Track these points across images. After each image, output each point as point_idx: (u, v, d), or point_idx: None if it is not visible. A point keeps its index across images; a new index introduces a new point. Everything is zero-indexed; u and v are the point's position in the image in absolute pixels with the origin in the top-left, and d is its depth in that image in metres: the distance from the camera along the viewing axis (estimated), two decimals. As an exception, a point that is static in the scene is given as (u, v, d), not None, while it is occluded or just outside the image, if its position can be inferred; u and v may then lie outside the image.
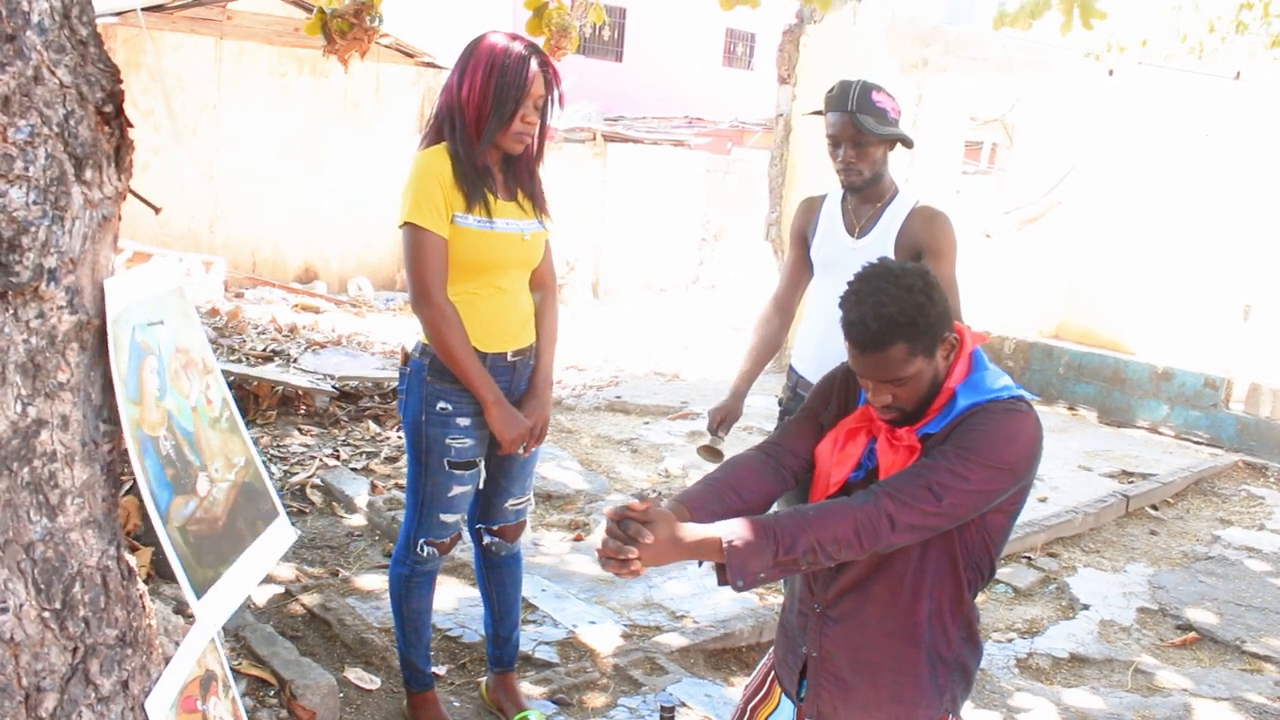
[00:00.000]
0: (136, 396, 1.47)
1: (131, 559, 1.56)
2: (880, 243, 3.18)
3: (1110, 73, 10.01)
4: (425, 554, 3.03)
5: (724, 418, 3.41)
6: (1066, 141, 10.03)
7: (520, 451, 2.99)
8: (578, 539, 4.90)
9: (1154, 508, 6.36)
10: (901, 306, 1.84)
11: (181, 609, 3.02)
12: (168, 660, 1.57)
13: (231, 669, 3.19)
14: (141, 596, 1.55)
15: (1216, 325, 9.31)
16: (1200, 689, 4.08)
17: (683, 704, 3.46)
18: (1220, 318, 9.32)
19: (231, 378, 6.30)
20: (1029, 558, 5.29)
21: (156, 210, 1.66)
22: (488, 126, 2.77)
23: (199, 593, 1.54)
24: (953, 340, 1.95)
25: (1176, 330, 9.46)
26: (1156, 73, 9.95)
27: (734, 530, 1.78)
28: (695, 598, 4.35)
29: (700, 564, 1.87)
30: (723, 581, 1.79)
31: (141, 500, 1.47)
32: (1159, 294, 9.68)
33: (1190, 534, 5.98)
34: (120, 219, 1.50)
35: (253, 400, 6.34)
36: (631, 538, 1.74)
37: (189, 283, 9.66)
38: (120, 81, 1.44)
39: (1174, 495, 6.64)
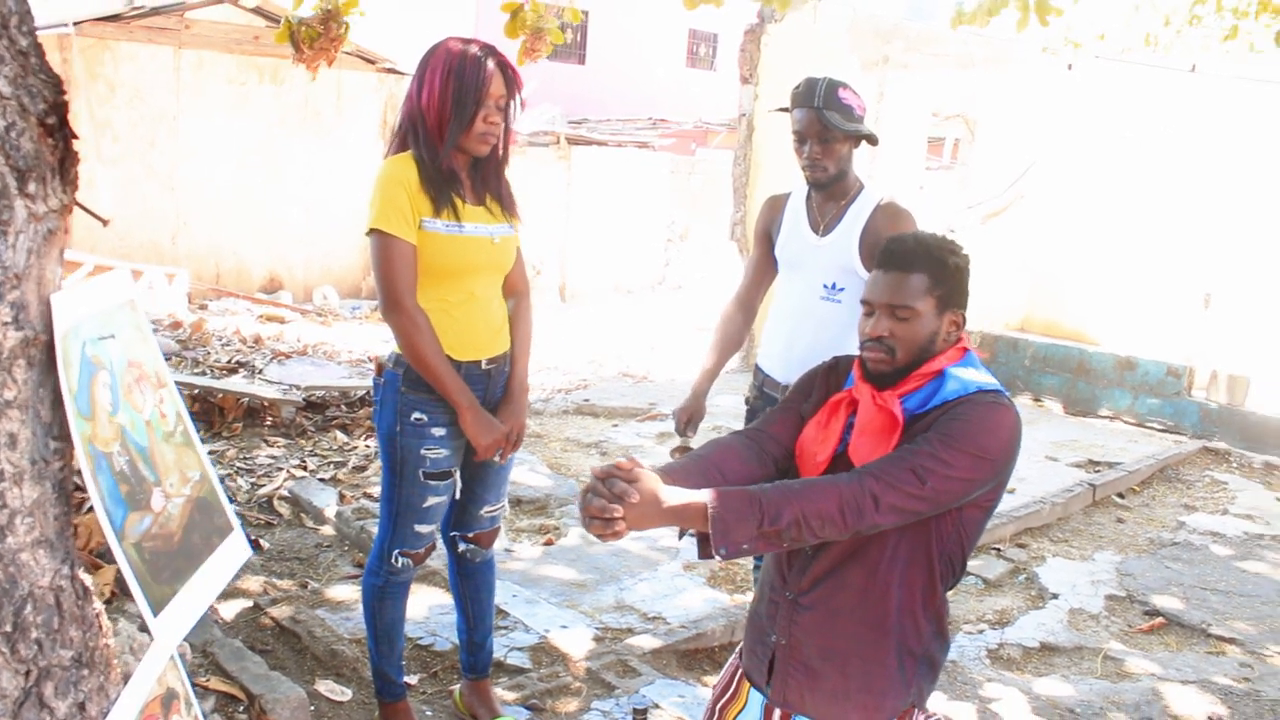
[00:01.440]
0: (88, 412, 1.44)
1: (88, 578, 1.54)
2: (845, 240, 3.19)
3: (1069, 67, 10.09)
4: (400, 565, 3.01)
5: (689, 417, 3.41)
6: (1028, 136, 10.09)
7: (496, 458, 2.99)
8: (548, 543, 4.89)
9: (1120, 496, 6.41)
10: (942, 246, 2.02)
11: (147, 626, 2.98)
12: (127, 679, 1.55)
13: (199, 685, 3.16)
14: (98, 616, 1.53)
15: (1178, 314, 9.41)
16: (1168, 673, 4.12)
17: (656, 705, 3.46)
18: (1181, 307, 9.42)
19: (196, 390, 6.24)
20: (998, 549, 5.32)
21: (104, 223, 1.65)
22: (450, 129, 2.76)
23: (156, 610, 1.52)
24: (960, 321, 2.04)
25: (1139, 320, 9.55)
26: (1114, 67, 10.04)
27: (719, 498, 1.78)
28: (666, 599, 4.35)
29: (681, 536, 1.87)
30: (704, 554, 1.78)
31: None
32: (1121, 285, 9.77)
33: (1156, 521, 6.04)
34: (68, 232, 1.47)
35: (218, 413, 6.28)
36: (617, 496, 1.72)
37: (148, 295, 9.57)
38: (64, 92, 1.42)
39: (1139, 483, 6.70)
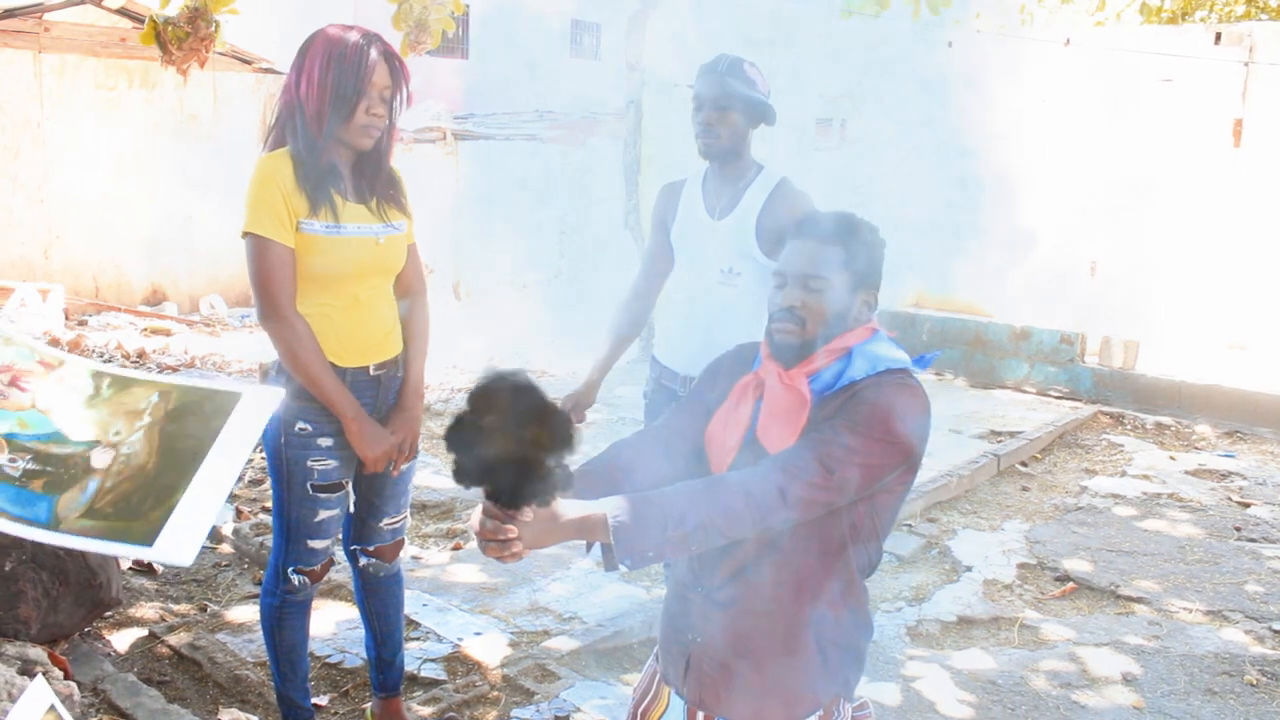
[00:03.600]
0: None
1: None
2: (741, 223, 3.12)
3: (949, 44, 10.23)
4: (296, 583, 2.86)
5: (575, 404, 3.35)
6: (912, 113, 10.21)
7: (390, 469, 2.85)
8: (456, 548, 4.76)
9: (1023, 464, 6.52)
10: (858, 225, 1.98)
11: (28, 668, 2.78)
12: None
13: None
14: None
15: (1066, 283, 9.62)
16: (1082, 637, 4.18)
17: (577, 709, 3.37)
18: (1069, 275, 9.63)
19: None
20: (909, 525, 5.35)
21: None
22: (329, 121, 2.62)
23: (149, 541, 1.46)
24: (873, 301, 1.99)
25: (1030, 290, 9.74)
26: (993, 41, 10.21)
27: (620, 507, 1.70)
28: (581, 598, 4.26)
29: (589, 549, 1.78)
30: (610, 565, 1.71)
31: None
32: (1011, 255, 9.94)
33: (1059, 487, 6.15)
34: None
35: (101, 433, 6.00)
36: (510, 516, 1.63)
37: (21, 313, 9.14)
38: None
39: (1041, 450, 6.82)
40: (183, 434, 1.69)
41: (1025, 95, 9.81)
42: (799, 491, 1.76)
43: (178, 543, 1.52)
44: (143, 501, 1.54)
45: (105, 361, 7.03)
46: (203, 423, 1.73)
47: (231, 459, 1.71)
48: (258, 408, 1.78)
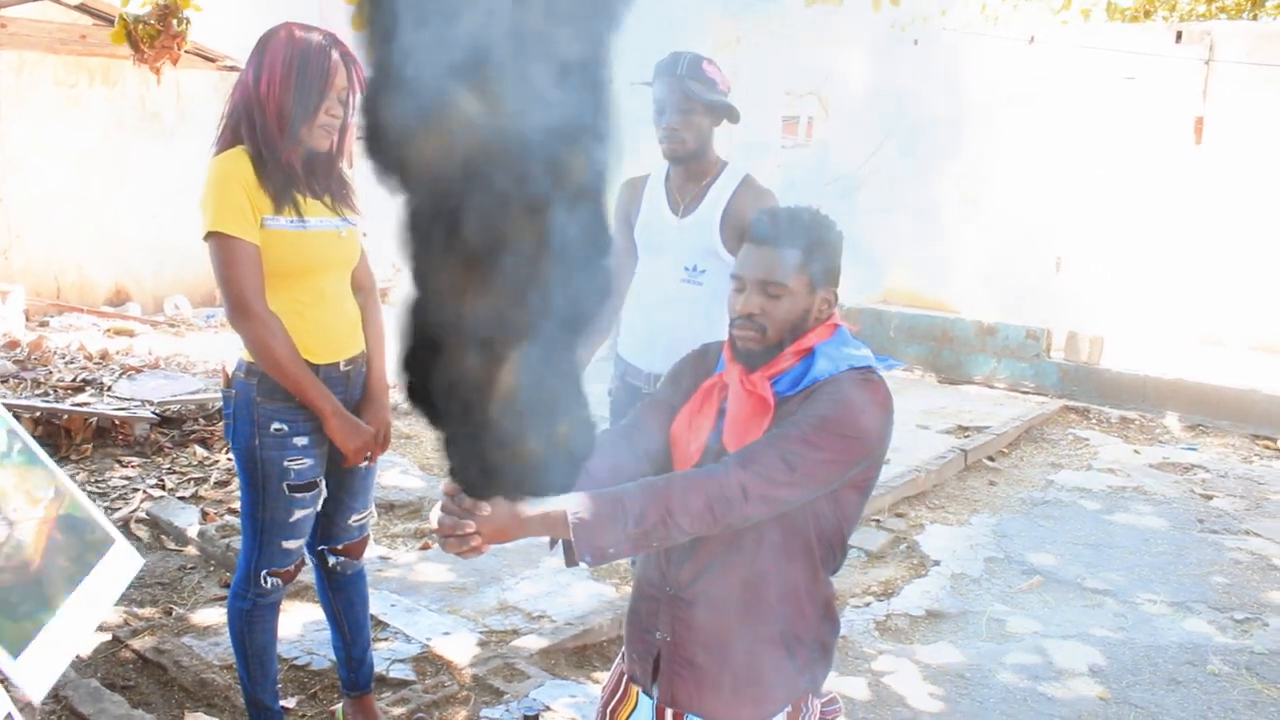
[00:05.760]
0: None
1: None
2: (705, 221, 3.12)
3: (915, 42, 10.27)
4: (269, 585, 2.84)
5: None
6: (880, 110, 10.25)
7: (365, 462, 2.85)
8: (424, 548, 4.73)
9: (990, 459, 6.55)
10: (814, 222, 1.95)
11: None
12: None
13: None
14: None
15: (1032, 278, 9.68)
16: (1049, 630, 4.21)
17: (547, 708, 3.36)
18: (1035, 271, 9.69)
19: (38, 413, 5.86)
20: (878, 520, 5.37)
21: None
22: (291, 121, 2.61)
23: (15, 651, 1.37)
24: (833, 298, 1.97)
25: (996, 286, 9.79)
26: (959, 39, 10.26)
27: (580, 503, 1.70)
28: (550, 596, 4.25)
29: (552, 546, 1.78)
30: (571, 561, 1.72)
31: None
32: (977, 251, 10.00)
33: (1026, 481, 6.19)
34: None
35: (64, 435, 5.92)
36: (468, 511, 1.63)
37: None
38: None
39: (1008, 445, 6.86)
40: (65, 551, 1.63)
41: (991, 92, 9.86)
42: (761, 488, 1.76)
43: (37, 670, 1.45)
44: (21, 602, 1.47)
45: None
46: (81, 551, 1.66)
47: (93, 609, 1.64)
48: (117, 571, 1.72)
